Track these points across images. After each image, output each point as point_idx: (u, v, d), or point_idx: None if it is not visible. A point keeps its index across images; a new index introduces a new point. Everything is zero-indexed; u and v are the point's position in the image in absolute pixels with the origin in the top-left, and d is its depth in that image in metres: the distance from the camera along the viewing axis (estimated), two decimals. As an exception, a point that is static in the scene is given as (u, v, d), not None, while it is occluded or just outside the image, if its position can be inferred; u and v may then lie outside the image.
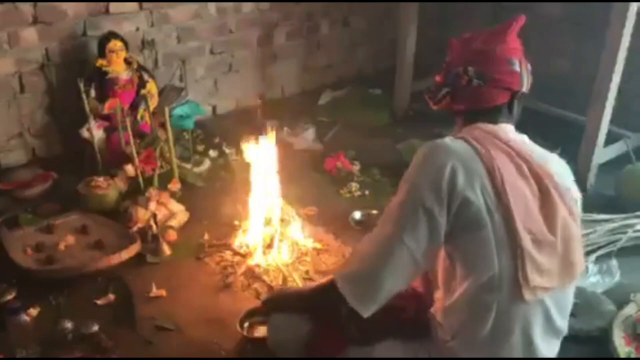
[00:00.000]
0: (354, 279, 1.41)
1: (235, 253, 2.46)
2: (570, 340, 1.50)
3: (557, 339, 1.48)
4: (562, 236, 1.36)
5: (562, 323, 1.45)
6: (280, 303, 1.78)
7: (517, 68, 1.45)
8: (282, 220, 2.51)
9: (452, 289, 1.41)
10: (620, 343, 1.97)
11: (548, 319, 1.41)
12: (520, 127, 1.53)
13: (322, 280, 1.62)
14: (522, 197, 1.34)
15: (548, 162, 1.44)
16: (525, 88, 1.48)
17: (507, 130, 1.47)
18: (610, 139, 3.09)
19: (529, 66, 1.49)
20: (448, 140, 1.39)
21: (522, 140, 1.47)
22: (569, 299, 1.47)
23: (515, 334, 1.38)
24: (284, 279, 2.30)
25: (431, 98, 1.54)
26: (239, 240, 2.50)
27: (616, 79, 2.79)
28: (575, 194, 1.48)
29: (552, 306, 1.40)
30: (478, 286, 1.35)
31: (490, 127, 1.45)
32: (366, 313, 1.39)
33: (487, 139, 1.40)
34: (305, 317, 1.63)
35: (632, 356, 1.94)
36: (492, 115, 1.47)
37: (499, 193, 1.32)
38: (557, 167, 1.46)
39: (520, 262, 1.32)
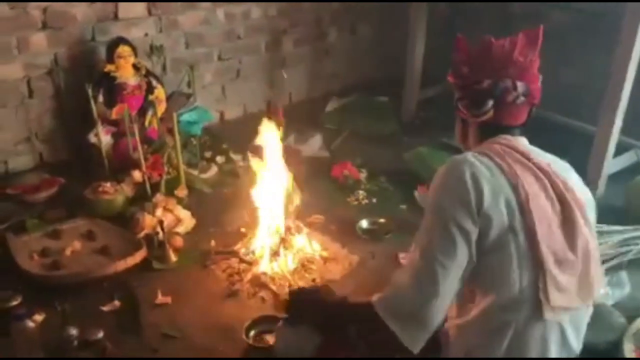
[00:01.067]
0: (403, 316, 1.33)
1: (242, 261, 2.45)
2: (580, 353, 1.47)
3: (571, 355, 1.45)
4: (582, 255, 1.34)
5: (577, 343, 1.43)
6: (306, 304, 1.65)
7: (540, 83, 1.45)
8: (288, 228, 2.50)
9: (468, 308, 1.38)
10: (631, 356, 1.95)
11: (564, 339, 1.39)
12: (529, 136, 1.51)
13: (356, 300, 1.54)
14: (545, 215, 1.32)
15: (567, 172, 1.43)
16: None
17: (524, 142, 1.45)
18: (620, 150, 3.07)
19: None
20: (470, 156, 1.36)
21: (538, 152, 1.45)
22: (585, 319, 1.45)
23: (531, 354, 1.36)
24: (290, 288, 2.28)
25: (473, 108, 1.45)
26: (245, 248, 2.49)
27: (627, 89, 2.78)
28: (589, 196, 1.45)
29: (568, 326, 1.38)
30: (497, 306, 1.32)
31: (510, 140, 1.43)
32: (417, 350, 1.33)
33: (510, 155, 1.38)
34: (313, 330, 1.59)
35: (643, 370, 1.92)
36: (515, 128, 1.46)
37: (524, 212, 1.30)
38: (573, 175, 1.45)
39: (542, 282, 1.29)
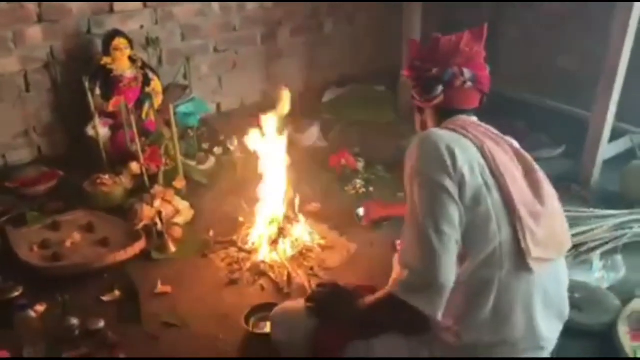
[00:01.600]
0: (418, 289, 1.37)
1: (241, 250, 2.47)
2: (575, 335, 1.50)
3: (559, 320, 1.51)
4: (550, 208, 1.44)
5: (561, 302, 1.50)
6: (331, 318, 1.63)
7: (488, 73, 1.58)
8: (286, 217, 2.52)
9: None
10: (626, 338, 1.97)
11: (547, 296, 1.45)
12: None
13: (373, 297, 1.54)
14: (511, 173, 1.43)
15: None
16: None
17: (477, 120, 1.58)
18: (615, 135, 3.09)
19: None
20: (435, 129, 1.50)
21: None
22: (565, 272, 1.53)
23: (517, 311, 1.41)
24: (289, 276, 2.30)
25: (424, 93, 1.59)
26: (243, 237, 2.51)
27: (621, 75, 2.79)
28: None
29: (549, 283, 1.46)
30: (478, 263, 1.38)
31: (466, 119, 1.55)
32: (440, 315, 1.38)
33: (469, 126, 1.51)
34: (307, 313, 1.63)
35: (638, 352, 1.94)
36: (468, 113, 1.58)
37: (493, 170, 1.40)
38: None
39: (522, 233, 1.38)
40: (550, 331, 1.49)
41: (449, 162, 1.36)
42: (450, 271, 1.36)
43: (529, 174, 1.47)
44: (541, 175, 1.49)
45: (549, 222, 1.44)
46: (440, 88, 1.56)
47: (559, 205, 1.50)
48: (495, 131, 1.55)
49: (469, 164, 1.38)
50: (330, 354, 1.58)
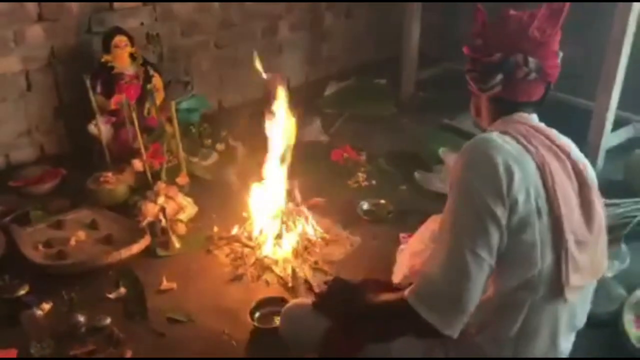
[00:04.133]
0: (438, 306, 1.28)
1: (245, 245, 2.48)
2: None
3: (575, 330, 1.47)
4: (597, 234, 1.34)
5: (583, 318, 1.45)
6: (336, 313, 1.55)
7: (559, 61, 1.41)
8: (290, 211, 2.52)
9: (486, 286, 1.34)
10: (631, 327, 1.98)
11: (572, 317, 1.39)
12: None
13: (387, 297, 1.46)
14: (568, 197, 1.30)
15: (577, 151, 1.41)
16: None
17: (535, 120, 1.42)
18: (618, 124, 3.08)
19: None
20: (496, 136, 1.31)
21: (555, 132, 1.42)
22: (591, 294, 1.45)
23: (542, 334, 1.35)
24: (293, 270, 2.31)
25: (480, 82, 1.42)
26: (247, 232, 2.51)
27: (623, 63, 2.78)
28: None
29: (578, 304, 1.39)
30: (514, 285, 1.30)
31: (528, 119, 1.39)
32: (456, 335, 1.30)
33: (534, 136, 1.34)
34: (317, 312, 1.56)
35: (643, 340, 1.94)
36: (532, 105, 1.43)
37: (549, 195, 1.27)
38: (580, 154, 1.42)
39: (564, 264, 1.28)
40: (566, 345, 1.45)
41: (504, 186, 1.23)
42: (476, 297, 1.27)
43: (582, 191, 1.33)
44: (593, 190, 1.35)
45: (593, 248, 1.34)
46: (499, 77, 1.38)
47: (604, 224, 1.37)
48: (554, 134, 1.39)
49: (526, 189, 1.25)
50: (339, 356, 1.51)
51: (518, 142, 1.31)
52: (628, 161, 2.91)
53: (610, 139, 3.00)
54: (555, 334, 1.38)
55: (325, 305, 1.57)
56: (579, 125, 3.02)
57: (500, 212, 1.23)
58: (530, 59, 1.36)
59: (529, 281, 1.29)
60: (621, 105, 2.96)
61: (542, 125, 1.42)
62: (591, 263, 1.34)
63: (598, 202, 1.34)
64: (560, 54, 1.42)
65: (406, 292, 1.33)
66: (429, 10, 3.78)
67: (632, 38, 2.72)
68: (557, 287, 1.29)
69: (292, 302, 1.75)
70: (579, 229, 1.31)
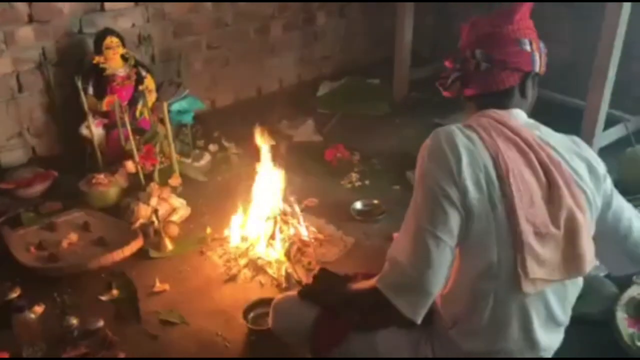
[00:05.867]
0: (403, 290, 1.34)
1: (238, 246, 2.47)
2: (573, 322, 1.49)
3: (559, 326, 1.45)
4: (567, 229, 1.32)
5: (564, 315, 1.43)
6: (320, 299, 1.63)
7: (527, 48, 1.40)
8: (283, 212, 2.52)
9: (450, 277, 1.39)
10: (623, 325, 1.98)
11: (549, 311, 1.39)
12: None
13: (362, 284, 1.53)
14: (527, 188, 1.31)
15: (571, 153, 1.39)
16: (538, 68, 1.43)
17: (518, 115, 1.43)
18: (610, 123, 3.09)
19: (542, 46, 1.45)
20: (453, 127, 1.37)
21: (535, 126, 1.43)
22: (573, 291, 1.44)
23: (513, 325, 1.36)
24: (287, 271, 2.30)
25: (442, 85, 1.49)
26: (239, 233, 2.51)
27: (614, 62, 2.80)
28: (601, 170, 1.42)
29: (552, 298, 1.38)
30: (475, 275, 1.34)
31: (500, 113, 1.41)
32: (419, 320, 1.35)
33: (495, 127, 1.37)
34: (310, 304, 1.61)
35: (635, 338, 1.95)
36: (504, 99, 1.43)
37: (503, 184, 1.29)
38: (589, 152, 1.42)
39: (520, 255, 1.29)
40: (551, 339, 1.44)
41: (454, 169, 1.28)
42: (439, 280, 1.32)
43: (552, 188, 1.32)
44: (567, 186, 1.32)
45: (562, 244, 1.32)
46: (454, 75, 1.45)
47: (585, 221, 1.33)
48: (530, 133, 1.38)
49: (476, 176, 1.29)
50: (328, 344, 1.57)
51: (475, 131, 1.35)
52: (619, 160, 2.92)
53: (603, 137, 3.02)
54: (528, 327, 1.37)
55: (310, 293, 1.65)
56: (570, 124, 3.02)
57: (454, 194, 1.28)
58: (477, 51, 1.41)
59: (490, 270, 1.32)
60: (613, 104, 2.97)
61: (512, 117, 1.41)
62: (563, 259, 1.32)
63: (570, 198, 1.32)
64: (525, 42, 1.41)
65: (376, 278, 1.39)
66: (422, 10, 3.78)
67: (623, 35, 2.73)
68: (516, 278, 1.31)
69: (281, 295, 1.80)
70: (541, 222, 1.30)
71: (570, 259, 1.33)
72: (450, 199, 1.28)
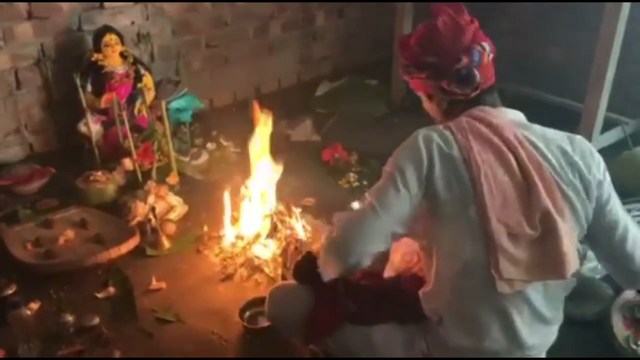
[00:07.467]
0: (326, 248, 1.43)
1: (235, 245, 2.46)
2: (569, 324, 1.50)
3: (548, 325, 1.44)
4: (543, 229, 1.31)
5: (551, 313, 1.42)
6: (303, 274, 1.66)
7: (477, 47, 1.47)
8: (280, 211, 2.51)
9: (430, 275, 1.42)
10: (619, 327, 1.99)
11: (533, 309, 1.38)
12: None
13: None
14: (501, 188, 1.31)
15: (565, 154, 1.38)
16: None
17: (507, 114, 1.44)
18: (607, 126, 3.10)
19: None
20: (431, 129, 1.40)
21: (525, 126, 1.42)
22: (559, 291, 1.43)
23: (493, 323, 1.37)
24: (283, 271, 2.30)
25: (468, 83, 1.43)
26: (235, 232, 2.51)
27: (612, 65, 2.80)
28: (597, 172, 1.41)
29: (536, 297, 1.37)
30: (452, 273, 1.36)
31: (486, 111, 1.42)
32: (325, 279, 1.42)
33: (472, 127, 1.38)
34: (306, 291, 1.62)
35: (631, 340, 1.95)
36: (493, 93, 1.48)
37: (475, 185, 1.30)
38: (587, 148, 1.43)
39: (493, 256, 1.30)
40: (540, 338, 1.44)
41: (424, 165, 1.33)
42: (362, 247, 1.35)
43: (530, 189, 1.32)
44: (546, 187, 1.31)
45: (539, 245, 1.31)
46: (477, 73, 1.42)
47: (565, 224, 1.32)
48: (530, 131, 1.39)
49: (447, 178, 1.32)
50: (321, 333, 1.59)
51: (452, 132, 1.38)
52: (617, 163, 2.92)
53: (600, 140, 3.02)
54: (510, 326, 1.37)
55: (298, 274, 1.68)
56: (568, 127, 3.03)
57: (413, 183, 1.32)
58: (483, 43, 1.45)
59: (465, 269, 1.33)
60: (611, 107, 2.98)
61: (499, 117, 1.42)
62: (540, 260, 1.31)
63: (547, 200, 1.31)
64: (484, 45, 1.44)
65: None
66: (421, 10, 3.78)
67: (621, 38, 2.74)
68: (490, 278, 1.32)
69: (278, 284, 1.84)
70: (515, 222, 1.30)
71: (549, 261, 1.32)
72: (407, 186, 1.32)
